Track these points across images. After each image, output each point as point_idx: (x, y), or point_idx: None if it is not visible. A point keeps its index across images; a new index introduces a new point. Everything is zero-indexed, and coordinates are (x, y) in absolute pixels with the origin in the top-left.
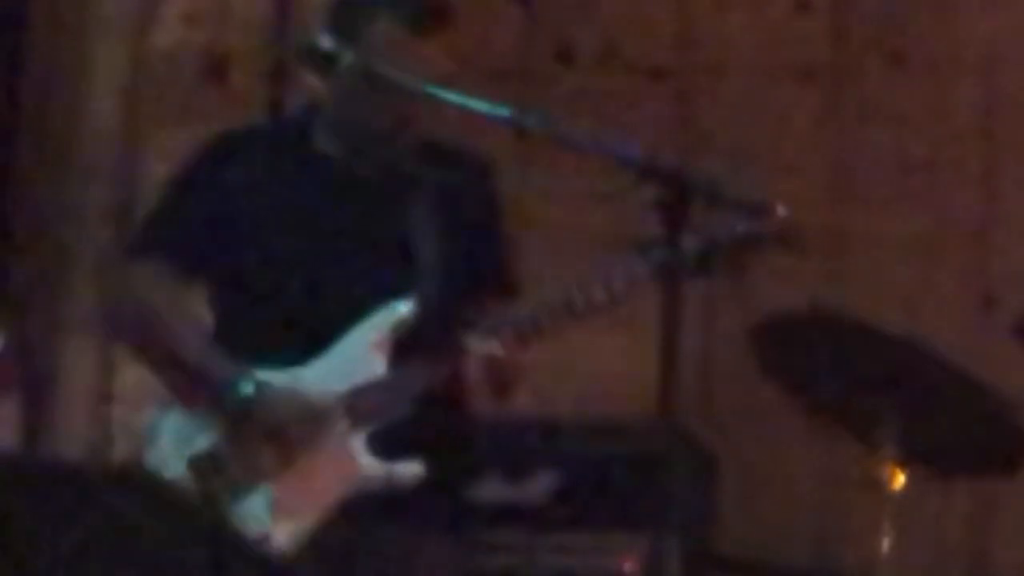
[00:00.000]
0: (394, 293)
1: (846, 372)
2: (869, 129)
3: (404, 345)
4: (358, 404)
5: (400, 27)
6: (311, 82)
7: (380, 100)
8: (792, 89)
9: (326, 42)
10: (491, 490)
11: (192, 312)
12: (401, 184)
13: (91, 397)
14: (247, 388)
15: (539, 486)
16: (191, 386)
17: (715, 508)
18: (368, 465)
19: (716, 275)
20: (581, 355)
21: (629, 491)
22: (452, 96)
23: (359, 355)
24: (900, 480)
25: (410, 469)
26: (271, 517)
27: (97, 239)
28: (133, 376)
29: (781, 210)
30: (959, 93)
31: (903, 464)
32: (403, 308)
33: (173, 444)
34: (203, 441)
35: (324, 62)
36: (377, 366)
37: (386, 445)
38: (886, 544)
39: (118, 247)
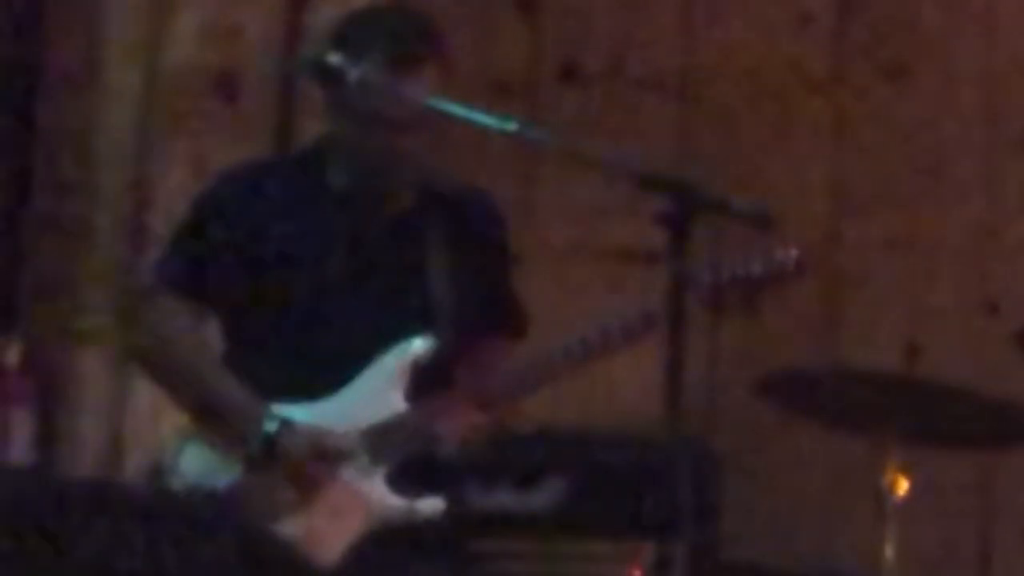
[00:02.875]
0: (411, 329)
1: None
2: (871, 139)
3: (421, 381)
4: (378, 441)
5: (383, 68)
6: (322, 99)
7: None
8: (795, 101)
9: (333, 57)
10: (499, 498)
11: (212, 347)
12: (414, 220)
13: (104, 410)
14: (269, 426)
15: (546, 494)
16: (213, 422)
17: (721, 515)
18: (389, 501)
19: (728, 311)
20: None
21: (636, 499)
22: (458, 111)
23: (377, 391)
24: (904, 487)
25: (431, 505)
26: None
27: (110, 253)
28: (146, 389)
29: (793, 252)
30: (960, 103)
31: (907, 470)
32: (420, 344)
33: (195, 477)
34: (226, 476)
35: (330, 77)
36: (395, 402)
37: (406, 480)
38: (890, 550)
39: (135, 281)
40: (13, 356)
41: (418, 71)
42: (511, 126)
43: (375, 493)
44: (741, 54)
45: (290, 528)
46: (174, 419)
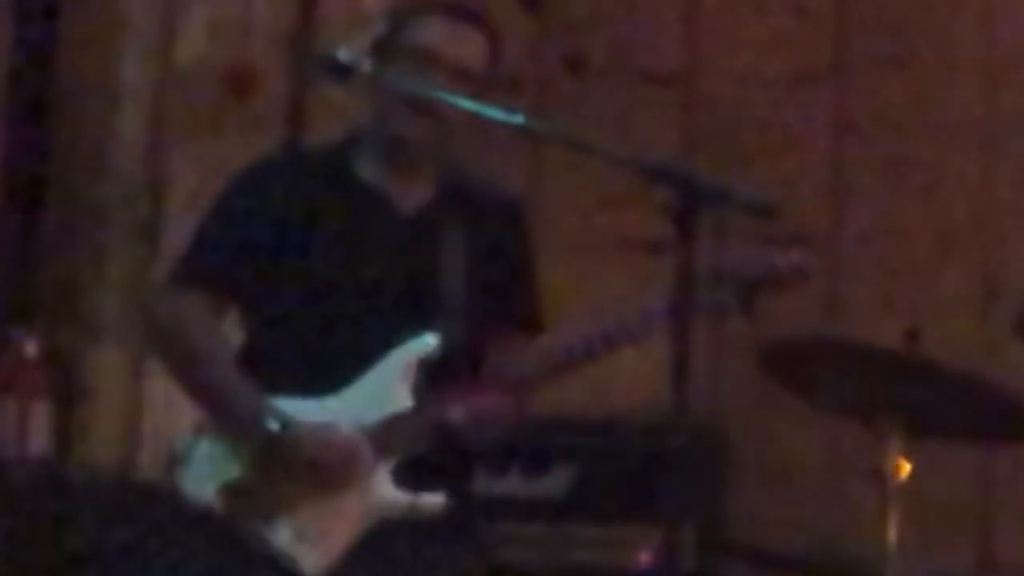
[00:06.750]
0: (423, 326)
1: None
2: (871, 127)
3: (429, 377)
4: (383, 437)
5: (444, 18)
6: (335, 95)
7: (414, 115)
8: (797, 93)
9: (344, 54)
10: (509, 485)
11: (228, 343)
12: (435, 215)
13: (121, 404)
14: (274, 426)
15: (556, 481)
16: (223, 417)
17: (727, 499)
18: (392, 496)
19: (730, 312)
20: None
21: (643, 484)
22: (465, 103)
23: (385, 386)
24: (905, 470)
25: (433, 500)
26: (296, 546)
27: (126, 248)
28: (163, 384)
29: (794, 257)
30: (958, 95)
31: (908, 454)
32: (430, 341)
33: (205, 469)
34: (234, 468)
35: (342, 74)
36: (402, 398)
37: (412, 475)
38: (892, 533)
39: (153, 275)
40: (31, 350)
41: (473, 27)
42: (518, 118)
43: (379, 488)
44: (743, 45)
45: (290, 526)
46: (189, 412)
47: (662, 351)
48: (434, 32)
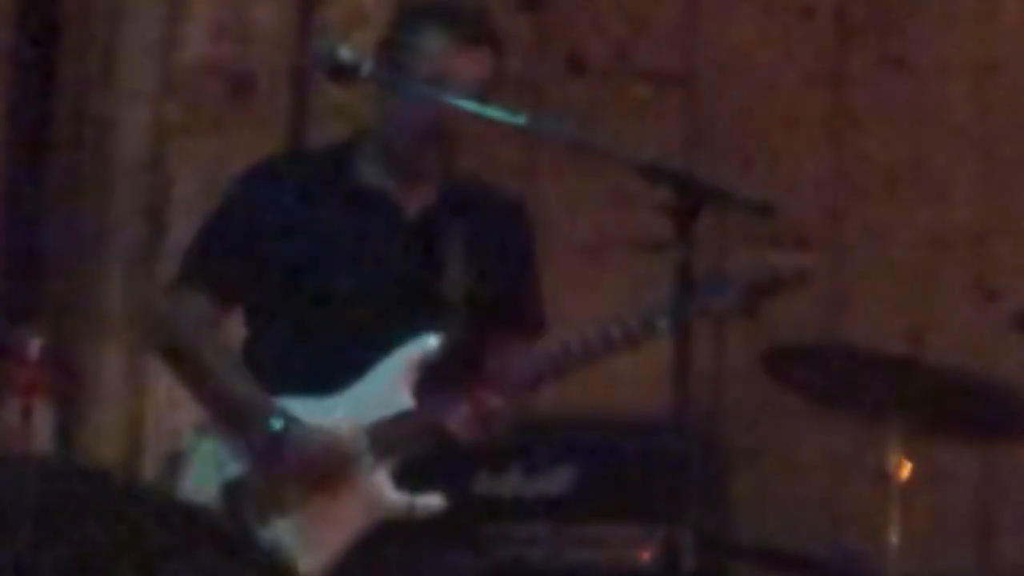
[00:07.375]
0: (424, 327)
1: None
2: (872, 129)
3: (430, 378)
4: (382, 437)
5: (450, 38)
6: (335, 95)
7: (417, 117)
8: (798, 94)
9: (345, 53)
10: (511, 485)
11: (230, 343)
12: (437, 217)
13: (124, 404)
14: (276, 424)
15: (558, 481)
16: (224, 416)
17: (728, 499)
18: (391, 497)
19: (732, 313)
20: None
21: (645, 485)
22: (468, 104)
23: (387, 387)
24: (906, 470)
25: (431, 501)
26: (296, 546)
27: (127, 248)
28: (165, 383)
29: (801, 258)
30: (959, 94)
31: (908, 454)
32: (431, 342)
33: (207, 468)
34: (236, 468)
35: (344, 73)
36: (403, 399)
37: (412, 475)
38: (893, 532)
39: (156, 276)
40: (33, 350)
41: (478, 42)
42: (519, 119)
43: (378, 489)
44: (744, 47)
45: (290, 525)
46: (191, 411)
47: (662, 352)
48: (439, 46)
